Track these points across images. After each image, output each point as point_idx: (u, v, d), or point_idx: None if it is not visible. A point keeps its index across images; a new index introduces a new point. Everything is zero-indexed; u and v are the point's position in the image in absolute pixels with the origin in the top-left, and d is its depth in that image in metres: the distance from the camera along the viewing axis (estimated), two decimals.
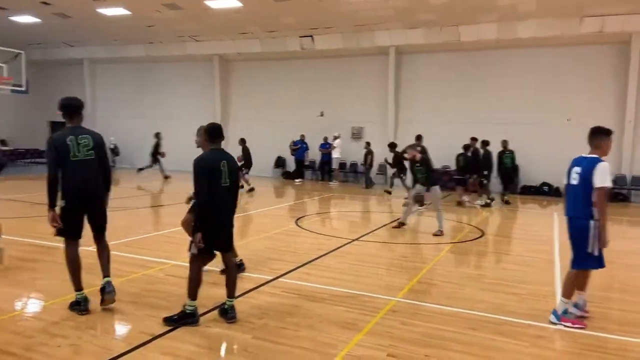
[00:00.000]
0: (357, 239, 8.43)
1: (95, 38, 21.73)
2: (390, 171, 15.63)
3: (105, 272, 4.70)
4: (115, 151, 23.34)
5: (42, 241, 7.29)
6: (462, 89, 17.81)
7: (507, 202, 13.82)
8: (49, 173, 4.35)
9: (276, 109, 20.85)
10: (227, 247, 4.58)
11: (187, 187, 5.42)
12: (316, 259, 6.89)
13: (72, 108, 4.61)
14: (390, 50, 18.30)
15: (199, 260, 4.36)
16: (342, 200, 14.59)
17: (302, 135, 19.57)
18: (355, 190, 16.76)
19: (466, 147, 13.60)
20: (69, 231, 4.50)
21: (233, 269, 4.66)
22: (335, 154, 18.79)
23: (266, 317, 4.56)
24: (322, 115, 20.12)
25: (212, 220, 4.30)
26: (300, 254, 7.17)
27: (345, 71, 19.68)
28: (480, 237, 9.13)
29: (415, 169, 9.42)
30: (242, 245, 7.42)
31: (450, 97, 17.96)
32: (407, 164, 11.58)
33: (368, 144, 17.48)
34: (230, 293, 4.48)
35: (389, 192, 15.31)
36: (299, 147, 19.41)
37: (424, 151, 9.63)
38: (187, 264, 4.42)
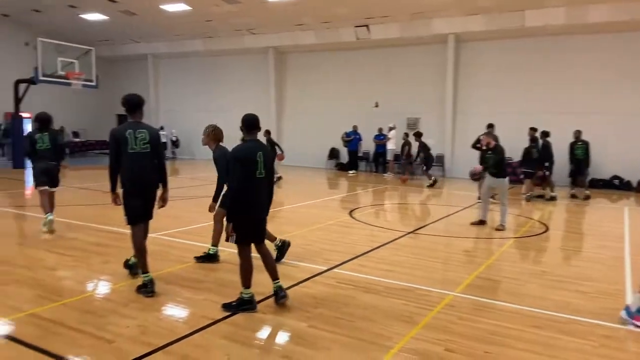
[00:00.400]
0: (412, 232, 8.31)
1: (158, 34, 22.59)
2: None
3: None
4: (176, 143, 24.26)
5: (112, 227, 7.70)
6: (525, 78, 17.08)
7: (587, 197, 13.04)
8: (110, 162, 4.76)
9: (330, 100, 20.87)
10: (261, 239, 4.56)
11: None
12: (370, 251, 6.85)
13: (133, 104, 4.87)
14: (448, 38, 17.81)
15: (244, 248, 4.43)
16: (397, 192, 14.42)
17: (355, 127, 19.48)
18: (411, 182, 16.49)
19: (534, 139, 12.81)
20: (130, 217, 4.80)
21: (268, 256, 4.61)
22: (390, 146, 18.58)
23: (321, 307, 4.59)
24: (377, 106, 19.92)
25: (247, 211, 4.33)
26: (354, 245, 7.16)
27: (401, 61, 19.36)
28: (545, 232, 8.75)
29: (487, 156, 8.93)
30: (297, 236, 7.51)
31: (512, 86, 17.27)
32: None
33: (406, 134, 17.18)
34: (274, 276, 4.57)
35: (434, 182, 15.09)
36: (352, 139, 19.34)
37: (496, 140, 9.21)
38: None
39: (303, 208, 10.67)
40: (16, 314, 4.22)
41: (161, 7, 18.28)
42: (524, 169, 13.02)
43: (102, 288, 5.11)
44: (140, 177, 4.77)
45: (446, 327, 4.19)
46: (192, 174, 17.08)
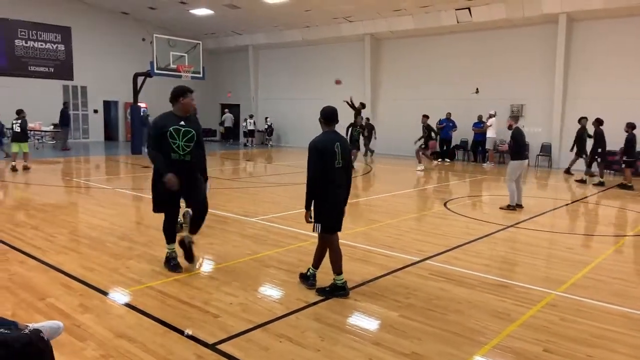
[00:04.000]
0: (512, 226, 7.93)
1: (259, 25, 23.48)
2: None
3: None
4: (268, 131, 25.19)
5: (216, 211, 8.27)
6: None
7: None
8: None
9: (427, 87, 20.35)
10: (339, 227, 4.60)
11: None
12: (466, 243, 6.68)
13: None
14: (560, 18, 16.46)
15: (328, 237, 4.56)
16: (497, 183, 13.77)
17: (449, 114, 18.84)
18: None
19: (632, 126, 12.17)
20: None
21: (335, 251, 4.59)
22: (490, 134, 17.72)
23: (412, 297, 4.60)
24: (477, 92, 19.07)
25: (327, 200, 4.45)
26: (448, 237, 7.02)
27: (504, 44, 18.28)
28: None
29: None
30: (389, 225, 7.53)
31: (632, 70, 15.59)
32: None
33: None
34: (337, 270, 4.54)
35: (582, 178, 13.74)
36: (444, 126, 18.75)
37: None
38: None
39: (396, 197, 10.62)
40: (137, 286, 4.75)
41: None
42: (625, 158, 12.32)
43: (208, 267, 5.54)
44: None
45: (546, 327, 4.01)
46: (287, 161, 17.67)
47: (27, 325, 2.74)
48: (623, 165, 12.69)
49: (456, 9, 17.97)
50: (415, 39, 20.57)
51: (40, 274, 5.00)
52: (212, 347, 3.52)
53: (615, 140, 13.30)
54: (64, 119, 19.71)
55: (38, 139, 20.59)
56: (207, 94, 27.29)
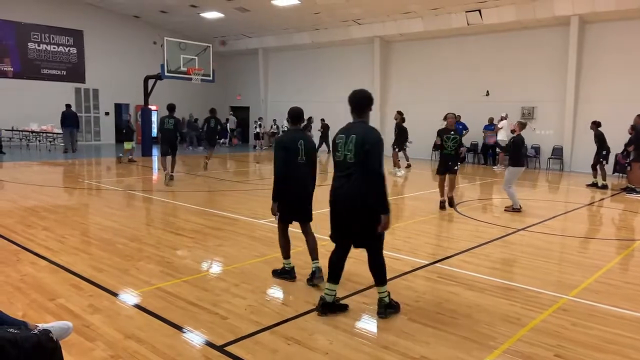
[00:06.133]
0: (523, 229, 7.86)
1: (268, 28, 23.58)
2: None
3: None
4: (275, 135, 25.23)
5: (225, 213, 8.30)
6: None
7: None
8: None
9: (437, 90, 20.27)
10: (303, 218, 4.91)
11: None
12: (476, 247, 6.62)
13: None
14: (571, 20, 16.32)
15: (279, 225, 4.98)
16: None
17: (459, 116, 18.66)
18: (524, 175, 15.50)
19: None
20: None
21: (310, 237, 4.96)
22: (501, 136, 17.60)
23: (422, 301, 4.57)
24: (487, 94, 18.95)
25: (288, 192, 4.72)
26: (458, 240, 6.97)
27: (516, 46, 18.16)
28: None
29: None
30: (398, 228, 7.50)
31: None
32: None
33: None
34: (313, 256, 4.90)
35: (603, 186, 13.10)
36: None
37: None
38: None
39: (406, 200, 10.58)
40: (146, 287, 4.77)
41: (272, 2, 19.04)
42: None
43: (216, 268, 5.56)
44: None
45: (557, 332, 3.96)
46: None
47: (36, 326, 2.76)
48: (629, 168, 12.55)
49: (466, 11, 17.89)
50: (425, 42, 20.50)
51: (51, 274, 5.05)
52: (221, 348, 3.52)
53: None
54: (65, 121, 19.49)
55: (50, 141, 20.81)
56: (218, 95, 27.44)
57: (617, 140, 13.20)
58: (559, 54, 16.97)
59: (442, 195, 9.35)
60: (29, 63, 21.19)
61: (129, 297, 4.50)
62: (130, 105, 25.11)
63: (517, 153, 9.13)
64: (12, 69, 20.81)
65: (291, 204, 4.80)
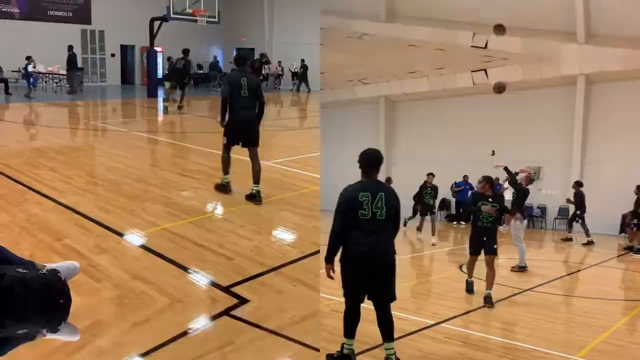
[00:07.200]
0: (530, 289, 7.34)
1: None
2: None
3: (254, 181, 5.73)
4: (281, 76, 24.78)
5: (231, 154, 8.14)
6: None
7: None
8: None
9: (442, 149, 18.88)
10: (249, 143, 5.70)
11: None
12: (482, 307, 6.10)
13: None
14: (578, 80, 15.39)
15: (226, 146, 5.82)
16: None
17: (465, 177, 17.74)
18: (530, 235, 14.40)
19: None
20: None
21: (255, 162, 5.71)
22: (507, 196, 16.80)
23: None
24: (493, 154, 17.87)
25: (232, 119, 5.62)
26: (464, 300, 6.57)
27: (521, 106, 16.86)
28: None
29: None
30: (404, 288, 6.44)
31: None
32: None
33: None
34: (255, 180, 5.59)
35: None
36: (462, 189, 17.86)
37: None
38: None
39: (412, 259, 10.18)
40: (152, 227, 4.74)
41: None
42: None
43: (221, 210, 5.52)
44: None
45: None
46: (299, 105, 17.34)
47: (44, 265, 2.74)
48: (634, 229, 12.10)
49: (472, 71, 16.94)
50: (430, 101, 19.43)
51: (58, 215, 5.03)
52: (226, 289, 3.51)
53: None
54: (70, 63, 19.37)
55: (56, 82, 20.61)
56: (223, 38, 26.78)
57: (628, 200, 12.55)
58: (565, 114, 15.98)
59: (470, 276, 7.14)
60: (35, 4, 20.65)
61: (135, 238, 4.50)
62: (136, 47, 24.60)
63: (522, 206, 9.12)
64: (18, 10, 20.32)
65: (235, 129, 5.69)
